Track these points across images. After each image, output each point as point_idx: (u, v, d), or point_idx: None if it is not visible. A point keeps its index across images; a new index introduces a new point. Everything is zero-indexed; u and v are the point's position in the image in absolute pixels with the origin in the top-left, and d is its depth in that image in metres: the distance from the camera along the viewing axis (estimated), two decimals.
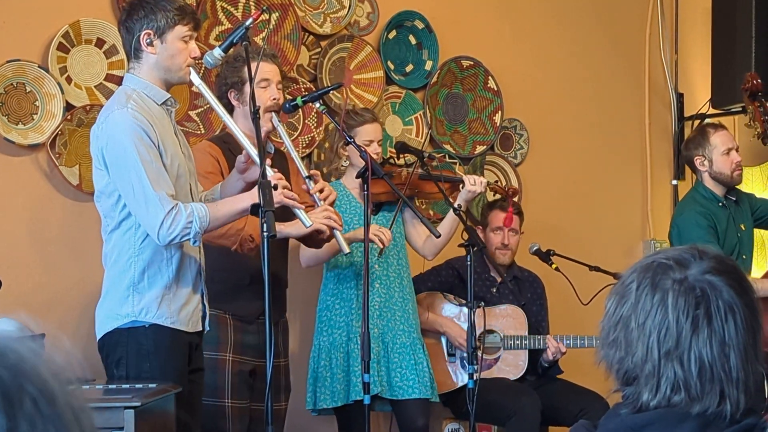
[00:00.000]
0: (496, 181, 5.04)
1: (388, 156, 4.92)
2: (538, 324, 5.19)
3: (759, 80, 5.38)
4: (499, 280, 5.16)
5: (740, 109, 6.08)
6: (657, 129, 6.40)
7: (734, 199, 5.23)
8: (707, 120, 6.18)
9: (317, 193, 3.88)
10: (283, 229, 3.96)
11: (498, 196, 5.11)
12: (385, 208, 4.80)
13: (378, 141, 4.66)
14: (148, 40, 3.46)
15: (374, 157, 4.57)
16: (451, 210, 4.62)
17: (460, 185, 4.74)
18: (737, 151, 5.23)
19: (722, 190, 5.19)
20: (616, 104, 6.25)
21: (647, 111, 6.36)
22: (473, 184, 4.67)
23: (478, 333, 4.81)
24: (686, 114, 6.46)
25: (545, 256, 5.21)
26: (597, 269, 5.16)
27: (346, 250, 4.00)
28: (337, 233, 3.97)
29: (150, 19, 3.45)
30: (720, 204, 5.17)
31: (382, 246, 4.48)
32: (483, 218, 5.24)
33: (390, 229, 4.65)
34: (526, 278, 5.28)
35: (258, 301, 4.02)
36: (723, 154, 5.18)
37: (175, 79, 3.54)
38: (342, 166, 4.74)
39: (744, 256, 5.19)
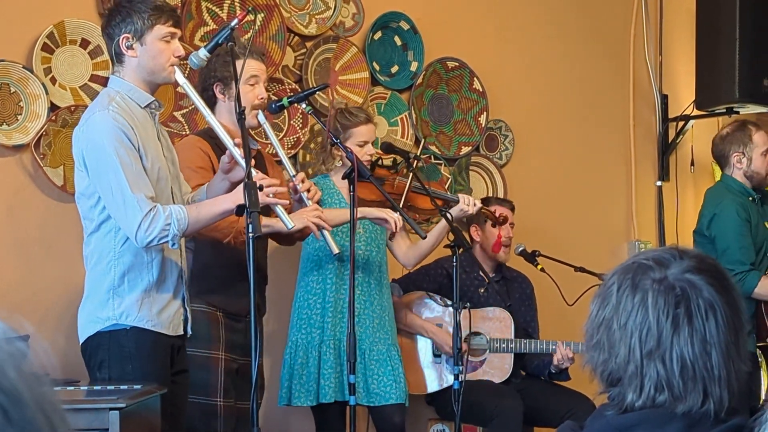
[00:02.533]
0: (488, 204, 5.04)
1: (377, 158, 4.90)
2: (527, 325, 5.19)
3: None
4: (491, 275, 5.17)
5: (724, 110, 6.11)
6: (641, 130, 6.43)
7: (760, 196, 5.29)
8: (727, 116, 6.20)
9: (305, 192, 3.89)
10: (275, 224, 3.94)
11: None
12: None
13: (372, 142, 4.66)
14: (128, 44, 3.47)
15: (368, 158, 4.57)
16: (436, 225, 4.61)
17: (452, 204, 4.73)
18: None
19: (750, 187, 5.27)
20: (601, 105, 6.27)
21: (632, 112, 6.38)
22: (467, 204, 4.67)
23: (464, 335, 4.83)
24: (670, 115, 6.49)
25: (530, 257, 5.22)
26: (582, 270, 5.17)
27: (336, 250, 4.00)
28: (326, 233, 3.98)
29: (127, 22, 3.46)
30: (750, 198, 5.23)
31: (394, 228, 4.42)
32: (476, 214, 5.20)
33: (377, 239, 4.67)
34: (515, 278, 5.29)
35: (248, 297, 4.04)
36: (762, 154, 5.25)
37: (160, 80, 3.54)
38: (336, 165, 4.71)
39: None
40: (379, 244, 4.74)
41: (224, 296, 4.08)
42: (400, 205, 4.64)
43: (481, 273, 5.17)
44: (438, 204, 4.58)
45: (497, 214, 4.97)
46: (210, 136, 4.15)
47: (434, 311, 5.05)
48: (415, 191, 4.72)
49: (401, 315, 4.93)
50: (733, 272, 5.07)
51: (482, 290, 5.15)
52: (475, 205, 4.70)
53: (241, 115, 3.44)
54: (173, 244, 3.40)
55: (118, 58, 3.51)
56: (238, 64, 3.53)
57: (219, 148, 3.97)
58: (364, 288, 4.65)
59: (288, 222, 3.57)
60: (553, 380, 5.11)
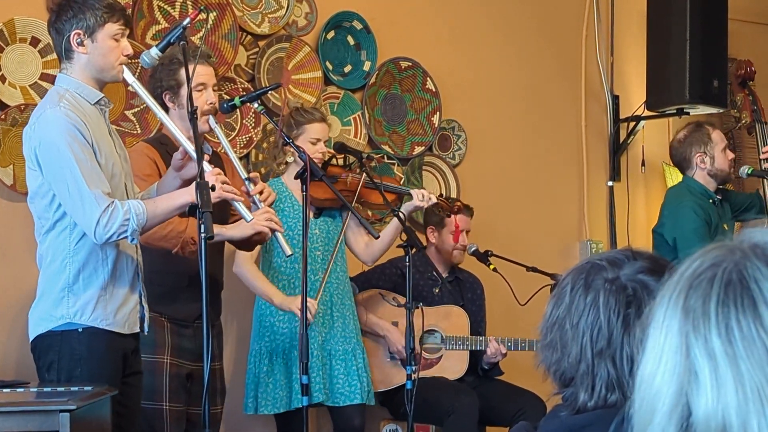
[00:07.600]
0: (441, 195, 5.03)
1: (329, 158, 4.88)
2: (477, 325, 5.21)
3: (752, 67, 5.45)
4: (444, 275, 5.18)
5: (675, 111, 6.15)
6: (593, 131, 6.46)
7: (720, 198, 5.32)
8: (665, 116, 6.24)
9: (257, 195, 3.86)
10: (225, 232, 3.94)
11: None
12: (326, 213, 4.78)
13: (325, 142, 4.67)
14: (79, 40, 3.43)
15: (319, 156, 4.57)
16: (394, 218, 4.60)
17: (405, 197, 4.74)
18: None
19: (713, 187, 5.29)
20: (553, 106, 6.30)
21: (583, 113, 6.41)
22: (421, 199, 4.67)
23: (419, 334, 4.84)
24: (622, 116, 6.53)
25: (483, 257, 5.23)
26: (534, 270, 5.18)
27: (288, 252, 3.98)
28: (279, 235, 3.95)
29: (79, 18, 3.42)
30: (710, 201, 5.25)
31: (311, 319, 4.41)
32: (434, 217, 5.20)
33: (338, 240, 4.66)
34: (467, 279, 5.31)
35: (195, 303, 3.98)
36: (722, 150, 5.29)
37: (108, 78, 3.51)
38: (287, 162, 4.69)
39: None
40: (335, 243, 4.73)
41: (169, 304, 4.06)
42: (353, 203, 4.64)
43: (434, 273, 5.18)
44: (389, 202, 4.58)
45: (453, 205, 4.96)
46: (160, 142, 4.12)
47: (388, 311, 5.04)
48: (368, 187, 4.72)
49: (359, 313, 4.92)
50: None
51: (436, 290, 5.16)
52: (430, 199, 4.69)
53: (193, 114, 3.42)
54: (132, 240, 3.37)
55: (66, 54, 3.46)
56: (189, 67, 3.50)
57: (168, 154, 3.92)
58: (326, 290, 4.64)
59: (247, 215, 3.56)
60: (487, 375, 5.13)
